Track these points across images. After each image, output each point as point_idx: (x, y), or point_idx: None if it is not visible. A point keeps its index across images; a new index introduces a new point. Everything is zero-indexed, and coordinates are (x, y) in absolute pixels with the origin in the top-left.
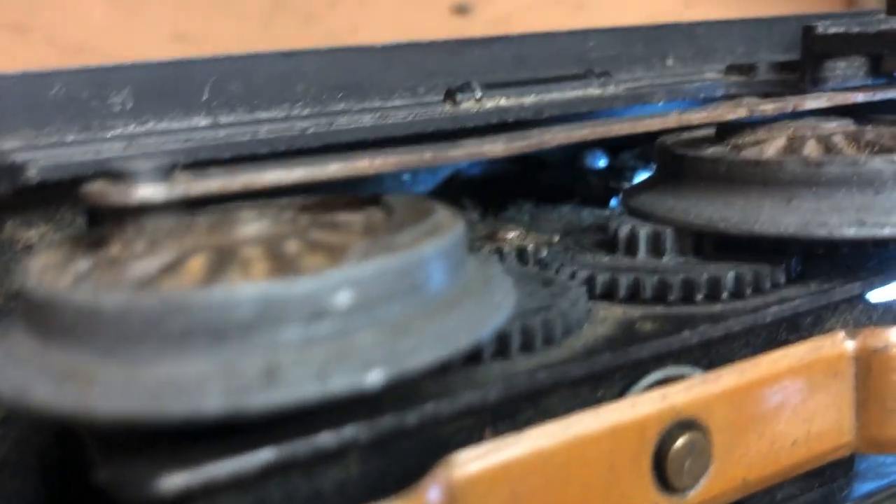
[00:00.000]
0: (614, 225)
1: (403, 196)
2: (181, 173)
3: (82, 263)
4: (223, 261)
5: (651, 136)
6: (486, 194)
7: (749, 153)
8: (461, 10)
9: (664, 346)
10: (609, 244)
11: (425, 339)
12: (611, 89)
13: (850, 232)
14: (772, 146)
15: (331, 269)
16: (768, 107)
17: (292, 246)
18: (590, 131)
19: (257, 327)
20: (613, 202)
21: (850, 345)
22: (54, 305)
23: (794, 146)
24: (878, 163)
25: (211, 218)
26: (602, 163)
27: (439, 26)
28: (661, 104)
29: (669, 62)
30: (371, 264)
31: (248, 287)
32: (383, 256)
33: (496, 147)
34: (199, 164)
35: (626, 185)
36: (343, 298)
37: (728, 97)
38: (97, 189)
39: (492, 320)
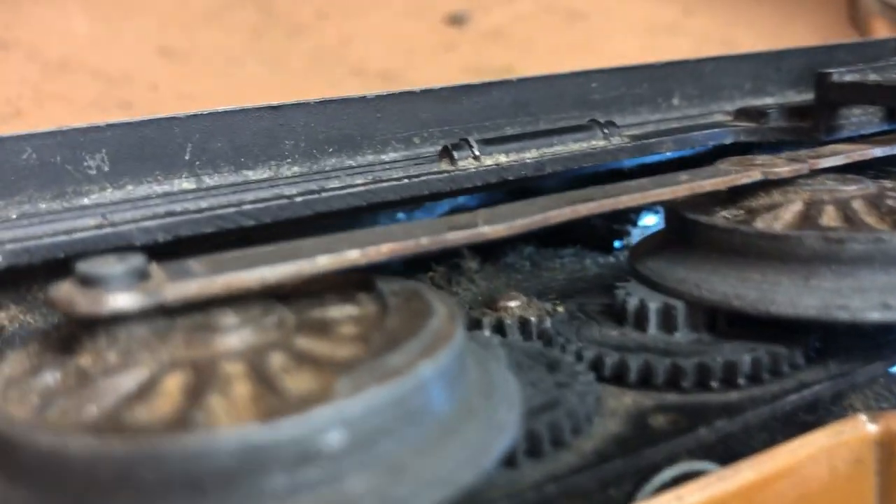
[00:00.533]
0: (622, 295)
1: (396, 283)
2: (157, 272)
3: (50, 376)
4: (202, 381)
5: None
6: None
7: (763, 220)
8: (456, 21)
9: (678, 445)
10: (617, 315)
11: (423, 480)
12: (616, 140)
13: (874, 316)
14: (788, 211)
15: (319, 408)
16: (783, 169)
17: (277, 360)
18: (597, 205)
19: (239, 477)
20: (617, 244)
21: (872, 429)
22: (16, 444)
23: (810, 213)
24: None
25: (189, 323)
26: None
27: (433, 38)
28: (669, 154)
29: (675, 101)
30: (363, 398)
31: (229, 433)
32: (376, 387)
33: (497, 229)
34: (181, 241)
35: (629, 228)
36: (333, 439)
37: (739, 146)
38: (65, 297)
39: (496, 447)
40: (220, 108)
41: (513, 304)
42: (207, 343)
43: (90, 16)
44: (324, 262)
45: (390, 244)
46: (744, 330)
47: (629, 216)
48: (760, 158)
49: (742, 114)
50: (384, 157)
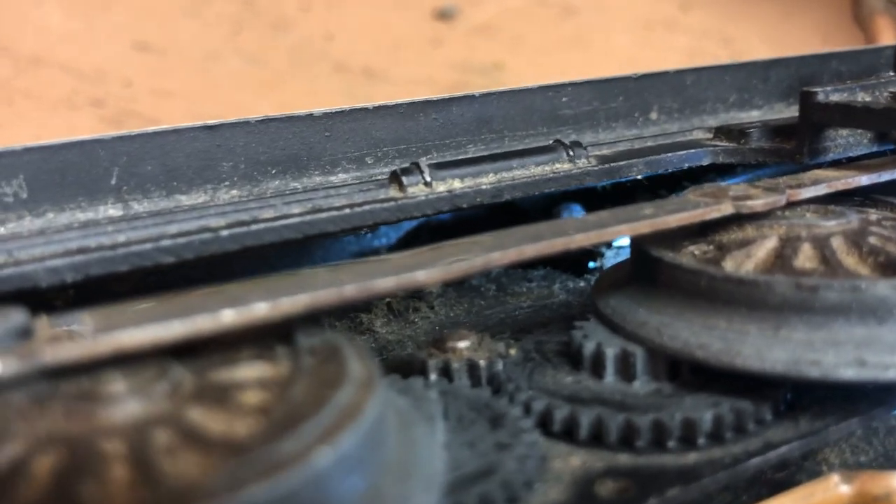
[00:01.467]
0: (579, 338)
1: (318, 335)
2: (42, 328)
3: None
4: (74, 466)
5: (630, 192)
6: None
7: (734, 259)
8: (443, 15)
9: None
10: (573, 358)
11: None
12: (582, 162)
13: (848, 374)
14: (761, 248)
15: None
16: (758, 203)
17: (161, 438)
18: (547, 245)
19: None
20: (591, 265)
21: (845, 490)
22: None
23: (785, 251)
24: (883, 288)
25: (72, 390)
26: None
27: (420, 33)
28: (640, 177)
29: (653, 115)
30: (241, 498)
31: None
32: (257, 484)
33: (431, 273)
34: (92, 280)
35: (603, 249)
36: None
37: (714, 168)
38: None
39: None
40: (150, 128)
41: (462, 344)
42: (88, 415)
43: (64, 8)
44: (228, 317)
45: (307, 296)
46: (708, 380)
47: None
48: (734, 188)
49: (722, 133)
50: (333, 179)
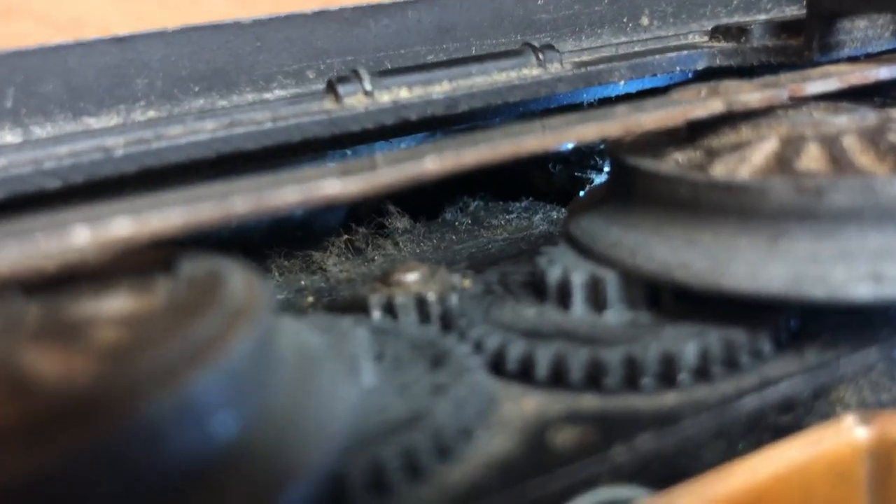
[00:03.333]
0: (543, 264)
1: (204, 264)
2: None
3: None
4: None
5: None
6: (426, 189)
7: (725, 164)
8: None
9: (584, 471)
10: (538, 288)
11: None
12: (554, 67)
13: (862, 292)
14: (758, 152)
15: None
16: (753, 97)
17: None
18: (491, 148)
19: None
20: (581, 194)
21: (862, 434)
22: None
23: (787, 153)
24: None
25: None
26: (568, 145)
27: None
28: (622, 84)
29: (644, 21)
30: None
31: None
32: (73, 436)
33: (345, 185)
34: None
35: (593, 175)
36: None
37: (713, 73)
38: None
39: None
40: (51, 42)
41: (409, 277)
42: None
43: None
44: (81, 238)
45: (182, 211)
46: (694, 308)
47: (593, 161)
48: (725, 84)
49: (719, 32)
50: (267, 96)
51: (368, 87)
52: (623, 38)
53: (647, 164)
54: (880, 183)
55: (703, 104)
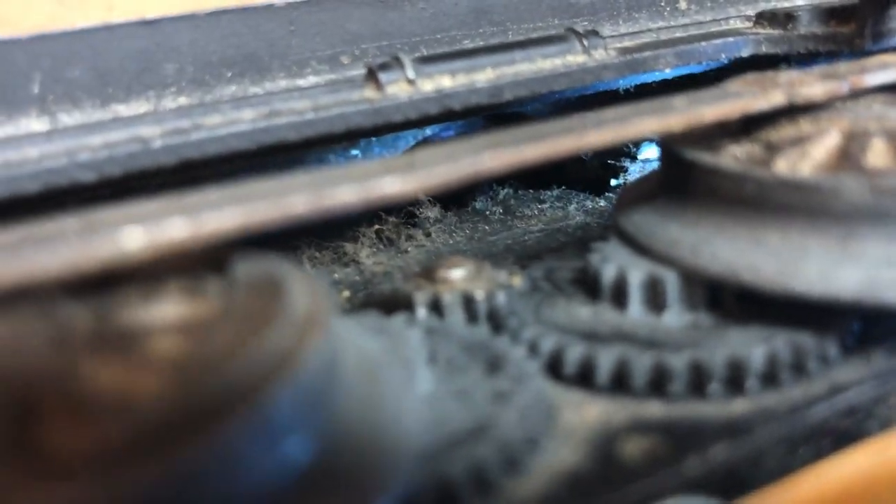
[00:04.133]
0: (596, 262)
1: (259, 266)
2: None
3: None
4: None
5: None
6: None
7: (787, 159)
8: None
9: (656, 485)
10: (590, 286)
11: None
12: (599, 54)
13: None
14: (820, 147)
15: None
16: (814, 90)
17: (46, 400)
18: (551, 145)
19: None
20: (613, 182)
21: None
22: None
23: (850, 149)
24: None
25: None
26: None
27: None
28: (671, 72)
29: (682, 4)
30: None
31: None
32: (143, 471)
33: (405, 182)
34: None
35: (627, 163)
36: None
37: (757, 60)
38: None
39: None
40: (78, 25)
41: (455, 273)
42: None
43: None
44: (134, 241)
45: (240, 211)
46: (757, 310)
47: (626, 148)
48: (784, 75)
49: (764, 18)
50: (301, 83)
51: (411, 74)
52: (661, 23)
53: (707, 159)
54: None
55: (764, 97)
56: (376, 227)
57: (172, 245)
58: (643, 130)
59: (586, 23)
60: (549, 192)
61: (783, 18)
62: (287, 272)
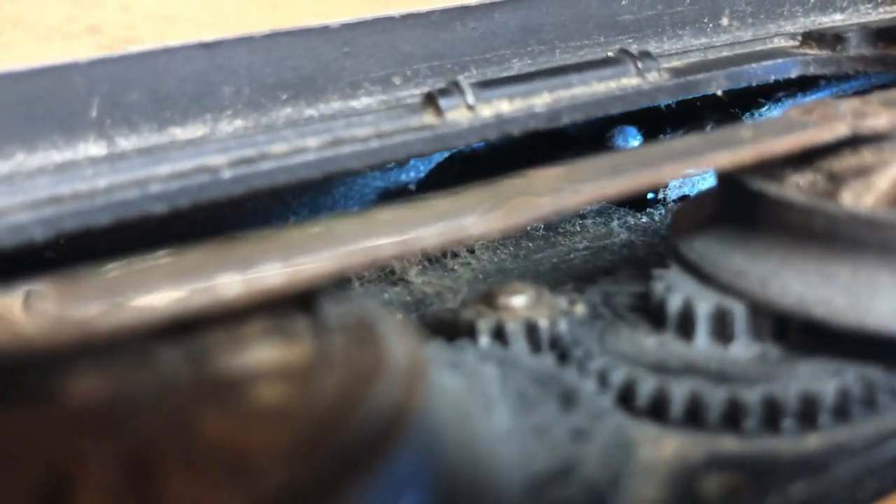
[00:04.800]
0: (661, 291)
1: (347, 306)
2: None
3: None
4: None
5: (697, 113)
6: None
7: (852, 191)
8: None
9: None
10: (654, 314)
11: None
12: (652, 76)
13: None
14: (884, 178)
15: None
16: (880, 122)
17: (160, 463)
18: (630, 180)
19: None
20: (650, 196)
21: None
22: None
23: None
24: None
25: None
26: (635, 143)
27: None
28: (719, 92)
29: (724, 21)
30: None
31: None
32: None
33: (489, 221)
34: (70, 237)
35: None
36: None
37: (808, 82)
38: None
39: None
40: (135, 48)
41: (517, 300)
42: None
43: None
44: (231, 288)
45: (331, 256)
46: (824, 342)
47: None
48: (845, 104)
49: (812, 39)
50: (354, 104)
51: (471, 100)
52: (703, 39)
53: (774, 190)
54: None
55: (829, 128)
56: None
57: (269, 292)
58: (716, 164)
59: (632, 40)
60: (589, 207)
61: (832, 39)
62: (377, 314)
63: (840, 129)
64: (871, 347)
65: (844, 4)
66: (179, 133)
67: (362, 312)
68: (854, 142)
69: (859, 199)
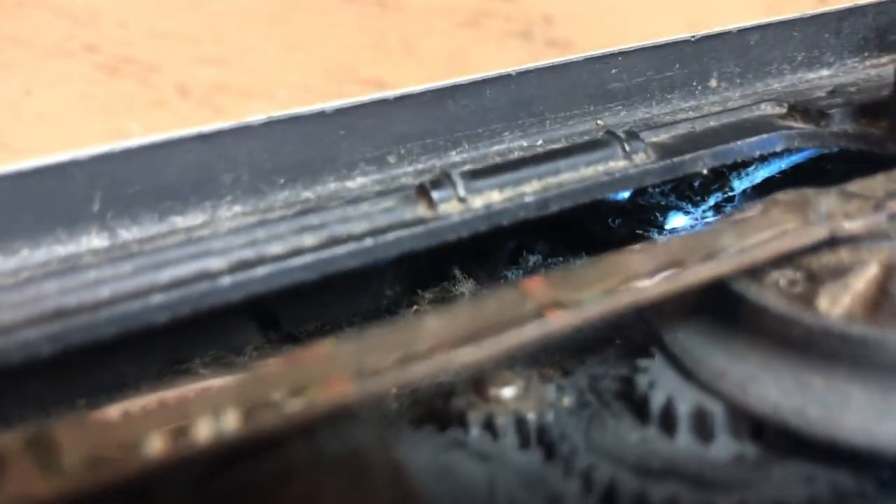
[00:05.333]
0: (644, 385)
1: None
2: None
3: None
4: None
5: None
6: (484, 242)
7: (828, 295)
8: None
9: None
10: (638, 406)
11: None
12: (639, 157)
13: None
14: (860, 280)
15: None
16: (857, 225)
17: None
18: (612, 302)
19: None
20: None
21: None
22: None
23: (890, 287)
24: None
25: None
26: (625, 195)
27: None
28: (705, 171)
29: (713, 83)
30: None
31: None
32: None
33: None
34: (73, 353)
35: (653, 234)
36: None
37: (789, 153)
38: None
39: None
40: (135, 142)
41: (507, 392)
42: None
43: None
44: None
45: (334, 396)
46: (797, 444)
47: (653, 216)
48: (824, 200)
49: (797, 111)
50: (350, 185)
51: (462, 192)
52: (692, 102)
53: (754, 295)
54: None
55: (807, 233)
56: (415, 307)
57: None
58: (698, 278)
59: (620, 108)
60: (577, 263)
61: (816, 115)
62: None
63: (819, 234)
64: (842, 455)
65: (831, 60)
66: (180, 221)
67: (357, 447)
68: (833, 241)
69: (836, 301)
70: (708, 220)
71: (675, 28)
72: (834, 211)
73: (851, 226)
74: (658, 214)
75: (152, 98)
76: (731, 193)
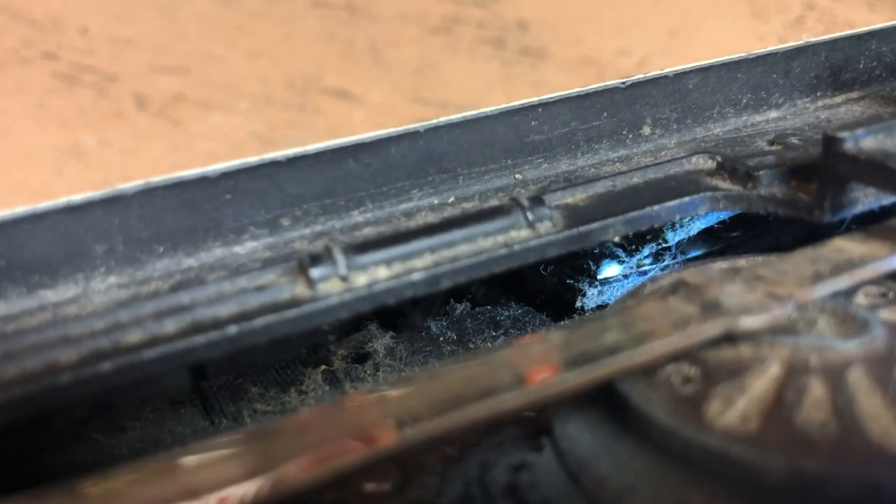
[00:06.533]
0: (525, 485)
1: None
2: None
3: None
4: None
5: None
6: None
7: (722, 396)
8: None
9: None
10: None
11: None
12: (543, 226)
13: None
14: (758, 381)
15: None
16: (757, 321)
17: None
18: (467, 413)
19: None
20: (578, 304)
21: None
22: None
23: (787, 395)
24: None
25: None
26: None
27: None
28: (617, 239)
29: (646, 130)
30: None
31: None
32: None
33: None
34: None
35: (585, 285)
36: None
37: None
38: None
39: None
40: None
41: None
42: None
43: None
44: None
45: None
46: None
47: (586, 265)
48: (727, 290)
49: (725, 170)
50: (238, 250)
51: (343, 270)
52: (622, 151)
53: (639, 399)
54: (887, 483)
55: (704, 330)
56: (322, 367)
57: None
58: (574, 387)
59: (541, 160)
60: (506, 313)
61: (743, 176)
62: None
63: (716, 329)
64: None
65: (780, 101)
66: (51, 295)
67: None
68: (732, 336)
69: (728, 405)
70: (644, 268)
71: (654, 34)
72: (733, 305)
73: (750, 322)
74: (592, 263)
75: (109, 110)
76: (665, 245)
